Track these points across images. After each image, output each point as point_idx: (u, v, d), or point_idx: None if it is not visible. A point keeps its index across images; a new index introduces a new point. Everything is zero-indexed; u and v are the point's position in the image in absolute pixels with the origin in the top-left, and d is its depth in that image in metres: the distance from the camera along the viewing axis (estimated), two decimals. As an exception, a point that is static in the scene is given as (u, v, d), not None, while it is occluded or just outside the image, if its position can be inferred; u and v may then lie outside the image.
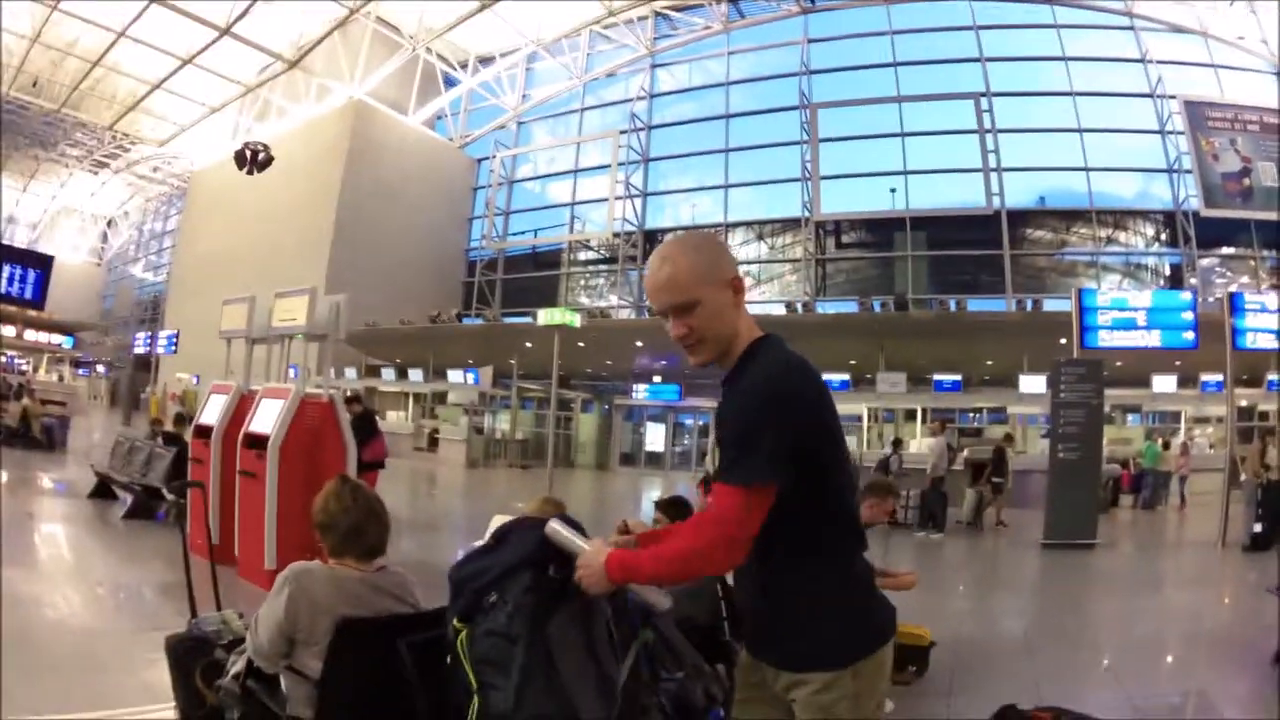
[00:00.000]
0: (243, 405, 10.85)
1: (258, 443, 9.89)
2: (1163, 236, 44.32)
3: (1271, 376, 34.75)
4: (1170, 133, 42.69)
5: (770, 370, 2.84)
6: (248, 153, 34.71)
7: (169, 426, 17.85)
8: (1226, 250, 44.08)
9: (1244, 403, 34.93)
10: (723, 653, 4.77)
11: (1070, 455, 18.42)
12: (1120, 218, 44.88)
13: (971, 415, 39.15)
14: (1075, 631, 10.84)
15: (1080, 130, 43.70)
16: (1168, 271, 44.19)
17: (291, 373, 12.94)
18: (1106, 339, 20.01)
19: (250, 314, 11.72)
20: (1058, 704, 5.19)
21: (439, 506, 24.04)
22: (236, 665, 4.27)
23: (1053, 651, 9.56)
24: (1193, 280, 41.82)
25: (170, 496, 12.16)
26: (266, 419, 10.00)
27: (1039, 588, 15.55)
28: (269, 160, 35.09)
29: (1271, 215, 39.57)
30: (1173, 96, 41.71)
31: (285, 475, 9.61)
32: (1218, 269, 44.47)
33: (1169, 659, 9.90)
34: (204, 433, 11.16)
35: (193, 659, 4.61)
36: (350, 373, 42.11)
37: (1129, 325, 20.19)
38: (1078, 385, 18.54)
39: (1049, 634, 10.80)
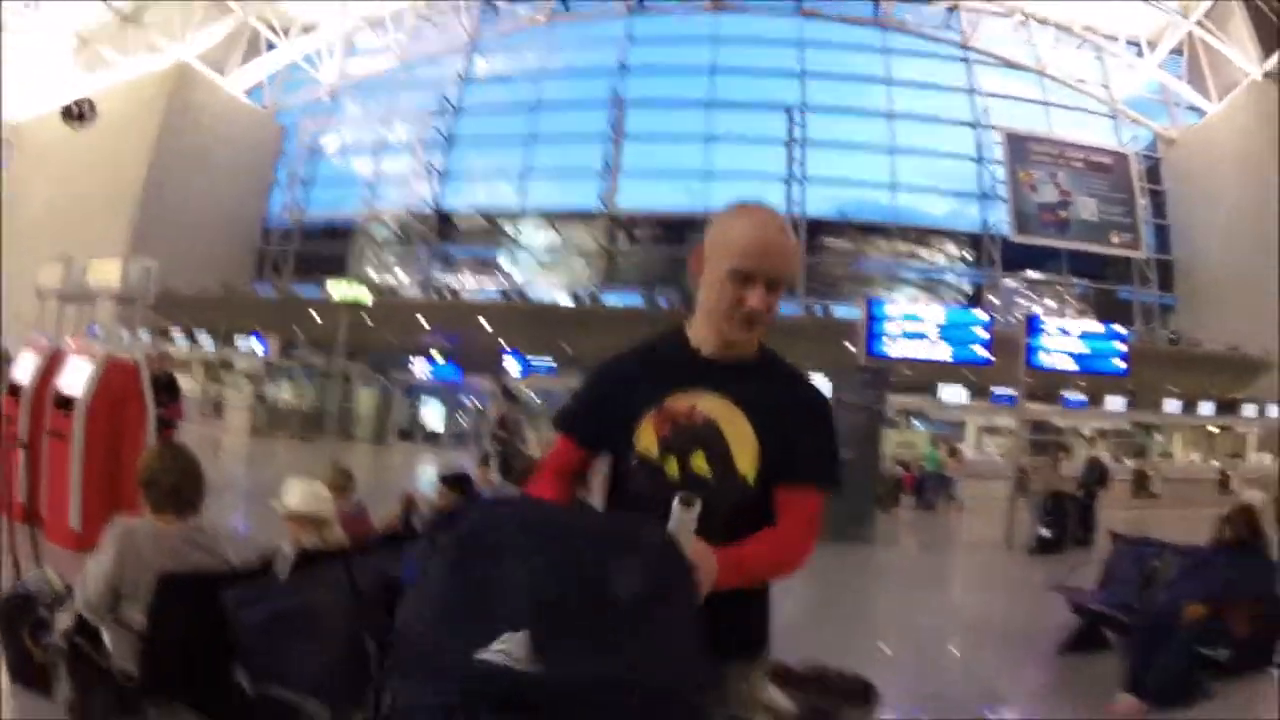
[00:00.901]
0: (52, 365, 10.36)
1: (66, 403, 9.61)
2: (967, 256, 45.36)
3: (1067, 395, 35.40)
4: (988, 161, 43.92)
5: (808, 378, 2.67)
6: (74, 107, 33.40)
7: (-25, 382, 16.86)
8: (1033, 274, 45.63)
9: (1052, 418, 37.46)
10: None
11: (847, 455, 17.91)
12: (924, 235, 46.46)
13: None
14: (854, 622, 10.70)
15: (893, 150, 45.24)
16: (969, 290, 45.59)
17: (90, 331, 12.81)
18: (893, 348, 19.73)
19: (66, 273, 11.36)
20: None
21: (226, 472, 22.35)
22: (64, 622, 4.43)
23: (829, 640, 8.67)
24: (994, 299, 43.45)
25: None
26: (75, 380, 9.72)
27: (815, 579, 15.25)
28: (94, 116, 33.84)
29: (1086, 246, 42.49)
30: (996, 128, 42.31)
31: (91, 436, 9.33)
32: (1023, 291, 45.61)
33: (956, 649, 9.90)
34: (14, 391, 10.55)
35: (20, 618, 4.78)
36: (142, 335, 40.43)
37: (919, 337, 20.05)
38: (862, 390, 18.19)
39: (825, 624, 10.21)
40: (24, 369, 10.62)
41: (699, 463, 2.42)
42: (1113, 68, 47.19)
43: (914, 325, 19.90)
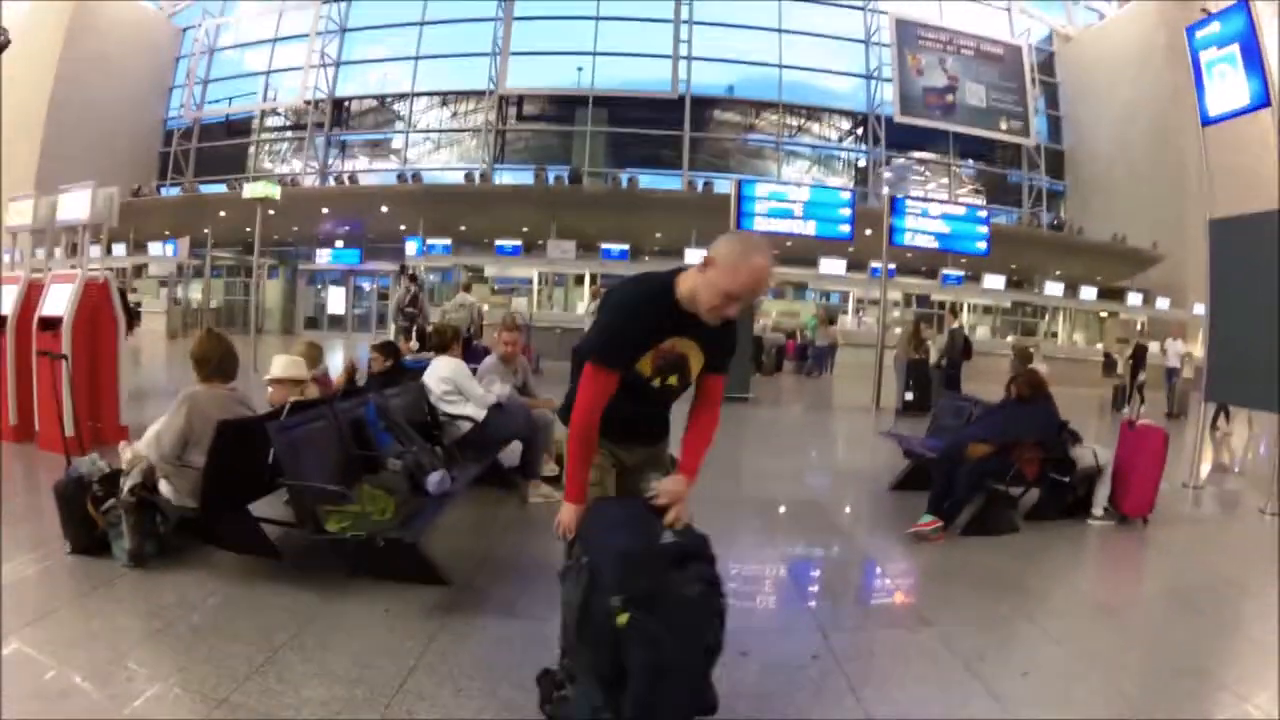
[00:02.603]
0: (32, 293, 11.11)
1: (51, 324, 10.39)
2: (859, 132, 46.10)
3: (946, 271, 36.30)
4: (875, 44, 44.21)
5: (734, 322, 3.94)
6: None
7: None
8: (917, 154, 47.02)
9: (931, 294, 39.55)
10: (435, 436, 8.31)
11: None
12: (812, 112, 46.55)
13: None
14: (719, 463, 11.02)
15: (780, 30, 45.22)
16: (861, 164, 46.18)
17: (7, 257, 13.81)
18: (762, 225, 20.48)
19: (36, 209, 12.19)
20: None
21: (171, 375, 21.76)
22: (130, 482, 6.12)
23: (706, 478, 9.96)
24: (888, 174, 44.88)
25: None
26: (57, 302, 10.54)
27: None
28: (7, 43, 33.23)
29: (972, 130, 43.32)
30: (885, 11, 42.72)
31: (76, 350, 10.20)
32: (915, 169, 46.82)
33: (806, 487, 11.37)
34: None
35: (79, 494, 6.16)
36: (58, 252, 39.90)
37: (786, 214, 20.90)
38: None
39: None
40: (5, 300, 11.33)
41: (672, 379, 3.89)
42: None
43: (781, 203, 20.80)
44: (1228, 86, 11.94)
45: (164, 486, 6.22)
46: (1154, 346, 27.01)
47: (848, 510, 9.79)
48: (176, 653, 4.70)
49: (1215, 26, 12.21)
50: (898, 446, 10.62)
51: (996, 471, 8.24)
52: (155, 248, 40.81)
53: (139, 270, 42.73)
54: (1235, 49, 11.84)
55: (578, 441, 3.79)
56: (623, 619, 3.13)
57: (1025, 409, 8.68)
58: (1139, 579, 7.92)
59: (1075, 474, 8.83)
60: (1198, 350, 20.17)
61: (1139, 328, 40.68)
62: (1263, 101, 11.46)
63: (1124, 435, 9.34)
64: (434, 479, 6.58)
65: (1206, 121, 12.35)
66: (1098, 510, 8.91)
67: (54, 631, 4.93)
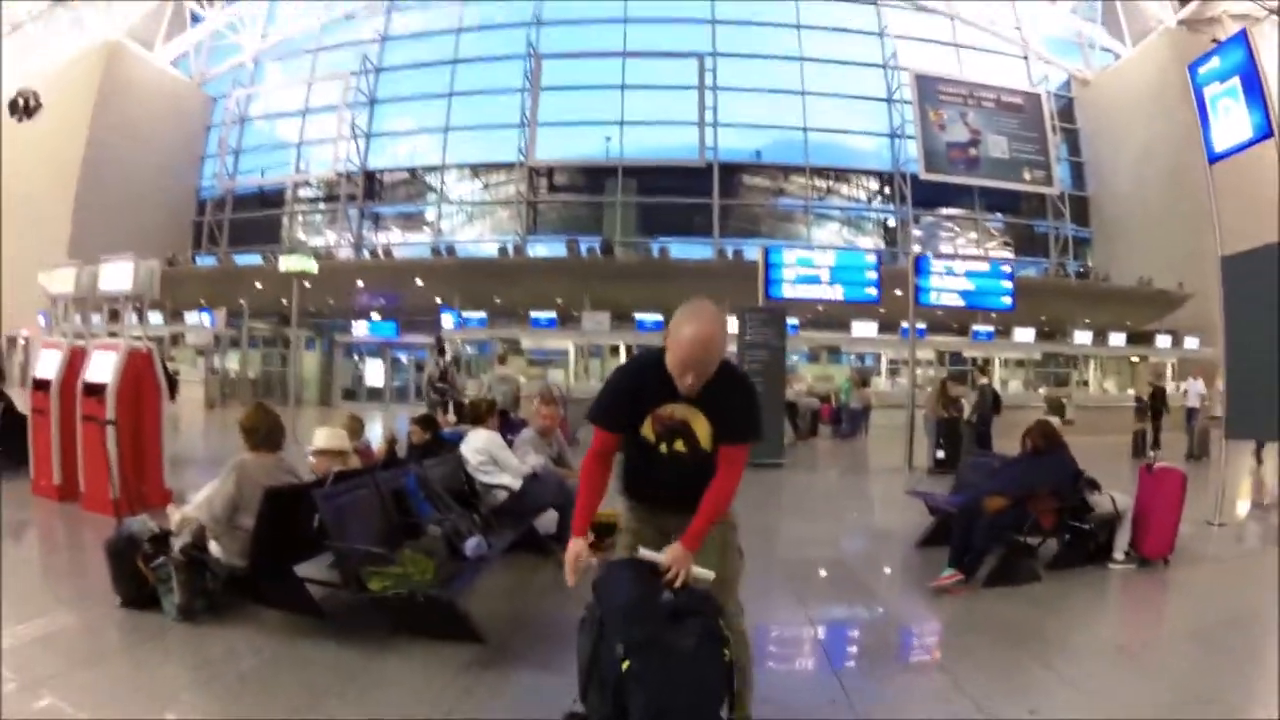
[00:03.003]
0: (74, 359, 11.60)
1: (96, 390, 10.75)
2: (886, 191, 46.29)
3: (976, 328, 36.43)
4: (897, 101, 44.43)
5: (740, 374, 4.25)
6: (20, 100, 33.37)
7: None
8: (946, 210, 47.01)
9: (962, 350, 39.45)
10: (472, 504, 8.54)
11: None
12: (839, 174, 46.83)
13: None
14: (752, 526, 11.40)
15: (804, 93, 45.52)
16: (891, 224, 46.59)
17: (41, 319, 13.82)
18: (790, 291, 21.07)
19: (78, 279, 12.47)
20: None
21: (209, 443, 23.71)
22: (180, 542, 6.56)
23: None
24: (917, 232, 45.02)
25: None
26: (102, 369, 10.88)
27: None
28: (39, 107, 33.94)
29: (997, 183, 42.42)
30: (905, 69, 42.82)
31: (121, 416, 10.62)
32: (944, 225, 47.31)
33: (837, 544, 11.58)
34: (42, 385, 11.82)
35: (130, 551, 6.59)
36: (95, 319, 40.25)
37: (813, 280, 21.29)
38: (761, 328, 19.56)
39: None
40: (47, 365, 11.79)
41: (679, 445, 4.12)
42: (1025, 10, 47.53)
43: (807, 269, 21.07)
44: (1232, 121, 12.05)
45: (213, 547, 6.61)
46: (1179, 387, 27.01)
47: (873, 567, 10.04)
48: (225, 703, 5.08)
49: (1216, 61, 12.36)
50: (924, 504, 10.75)
51: (1014, 523, 8.41)
52: (191, 317, 41.27)
53: (175, 339, 42.60)
54: (1236, 81, 11.97)
55: (580, 482, 4.32)
56: (625, 665, 3.42)
57: (1040, 460, 8.87)
58: (1157, 619, 8.11)
59: (1094, 520, 8.98)
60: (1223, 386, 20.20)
61: (1169, 369, 40.61)
62: (1265, 133, 11.56)
63: (1143, 479, 9.51)
64: (471, 544, 6.98)
65: (1214, 158, 12.48)
66: (1119, 555, 9.04)
67: (105, 679, 5.28)
